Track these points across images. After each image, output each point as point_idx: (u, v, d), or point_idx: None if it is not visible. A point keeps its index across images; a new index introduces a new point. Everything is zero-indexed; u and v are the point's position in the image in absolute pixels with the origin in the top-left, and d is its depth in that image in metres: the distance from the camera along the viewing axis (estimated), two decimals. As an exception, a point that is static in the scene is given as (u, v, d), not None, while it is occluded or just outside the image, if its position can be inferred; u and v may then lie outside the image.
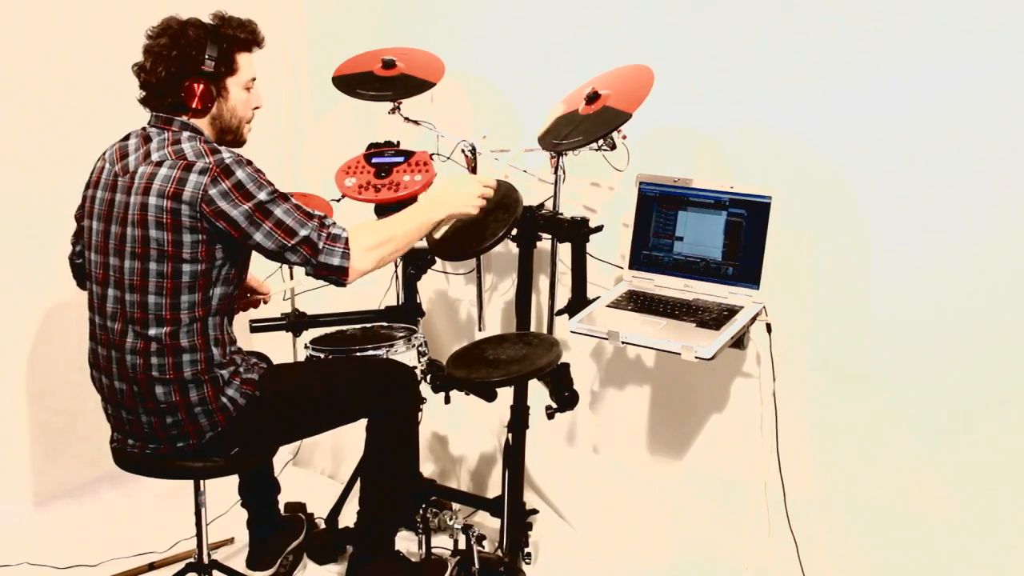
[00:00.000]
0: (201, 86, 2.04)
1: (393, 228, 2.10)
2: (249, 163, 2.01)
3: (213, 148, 2.01)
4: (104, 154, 2.12)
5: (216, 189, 1.95)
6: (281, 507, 2.65)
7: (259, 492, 2.55)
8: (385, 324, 2.75)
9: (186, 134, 2.04)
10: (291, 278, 2.60)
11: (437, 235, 2.26)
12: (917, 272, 2.23)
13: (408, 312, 2.81)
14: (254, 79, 2.15)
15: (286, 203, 2.00)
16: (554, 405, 2.37)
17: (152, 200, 1.97)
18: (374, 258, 2.05)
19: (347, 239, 2.02)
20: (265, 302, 2.51)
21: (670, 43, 2.57)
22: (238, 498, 2.56)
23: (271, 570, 2.54)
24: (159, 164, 1.99)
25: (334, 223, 2.04)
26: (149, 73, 2.03)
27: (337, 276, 2.03)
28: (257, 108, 2.18)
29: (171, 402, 2.02)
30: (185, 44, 2.03)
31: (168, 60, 2.02)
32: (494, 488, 2.97)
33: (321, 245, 2.00)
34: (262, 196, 1.98)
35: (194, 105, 2.05)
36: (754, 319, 2.22)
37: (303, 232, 1.99)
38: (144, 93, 2.07)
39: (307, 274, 2.05)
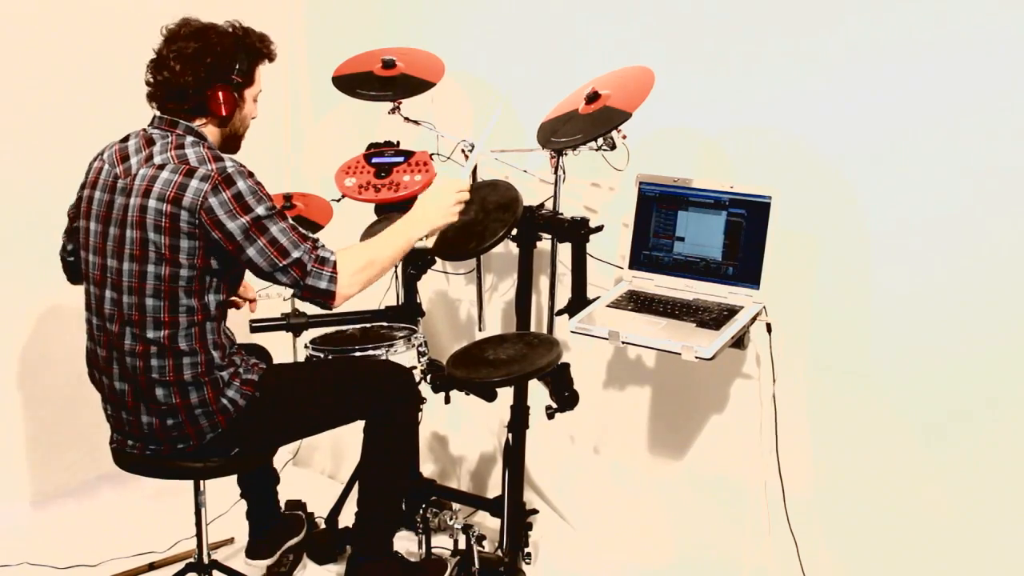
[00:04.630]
0: (228, 94, 2.05)
1: (377, 251, 2.10)
2: (251, 175, 2.01)
3: (216, 155, 2.01)
4: (102, 154, 2.11)
5: (216, 198, 1.94)
6: (281, 505, 2.65)
7: (258, 482, 2.56)
8: (385, 324, 2.75)
9: (190, 139, 2.04)
10: None
11: (429, 244, 2.26)
12: (917, 272, 2.23)
13: (408, 312, 2.81)
14: (260, 91, 2.17)
15: (283, 222, 2.00)
16: (554, 405, 2.37)
17: (152, 203, 1.96)
18: (360, 281, 2.05)
19: (335, 263, 2.01)
20: (251, 309, 2.50)
21: (670, 43, 2.57)
22: (238, 498, 2.56)
23: (271, 559, 2.54)
24: (161, 167, 1.98)
25: (323, 246, 2.04)
26: (176, 75, 2.02)
27: (324, 300, 2.02)
28: (253, 118, 2.20)
29: (171, 404, 2.02)
30: (221, 52, 2.03)
31: (199, 66, 2.02)
32: (494, 488, 2.97)
33: (310, 267, 1.99)
34: (260, 211, 1.97)
35: (223, 113, 2.06)
36: (754, 319, 2.22)
37: (296, 254, 1.98)
38: (158, 92, 2.06)
39: (295, 295, 2.05)
